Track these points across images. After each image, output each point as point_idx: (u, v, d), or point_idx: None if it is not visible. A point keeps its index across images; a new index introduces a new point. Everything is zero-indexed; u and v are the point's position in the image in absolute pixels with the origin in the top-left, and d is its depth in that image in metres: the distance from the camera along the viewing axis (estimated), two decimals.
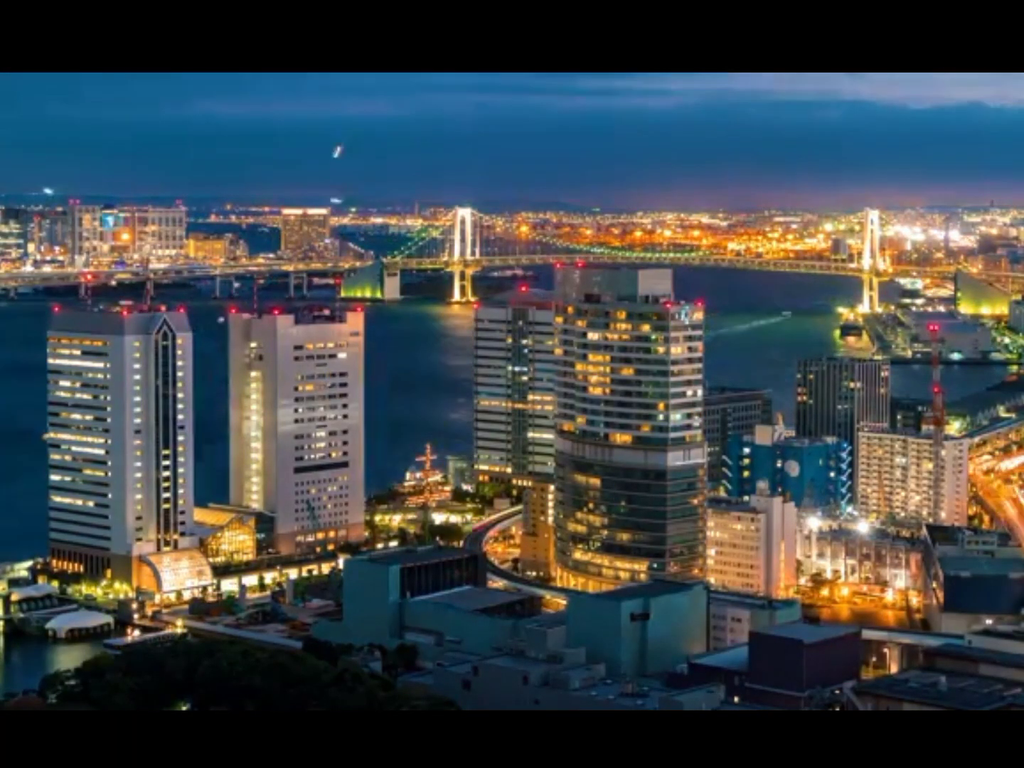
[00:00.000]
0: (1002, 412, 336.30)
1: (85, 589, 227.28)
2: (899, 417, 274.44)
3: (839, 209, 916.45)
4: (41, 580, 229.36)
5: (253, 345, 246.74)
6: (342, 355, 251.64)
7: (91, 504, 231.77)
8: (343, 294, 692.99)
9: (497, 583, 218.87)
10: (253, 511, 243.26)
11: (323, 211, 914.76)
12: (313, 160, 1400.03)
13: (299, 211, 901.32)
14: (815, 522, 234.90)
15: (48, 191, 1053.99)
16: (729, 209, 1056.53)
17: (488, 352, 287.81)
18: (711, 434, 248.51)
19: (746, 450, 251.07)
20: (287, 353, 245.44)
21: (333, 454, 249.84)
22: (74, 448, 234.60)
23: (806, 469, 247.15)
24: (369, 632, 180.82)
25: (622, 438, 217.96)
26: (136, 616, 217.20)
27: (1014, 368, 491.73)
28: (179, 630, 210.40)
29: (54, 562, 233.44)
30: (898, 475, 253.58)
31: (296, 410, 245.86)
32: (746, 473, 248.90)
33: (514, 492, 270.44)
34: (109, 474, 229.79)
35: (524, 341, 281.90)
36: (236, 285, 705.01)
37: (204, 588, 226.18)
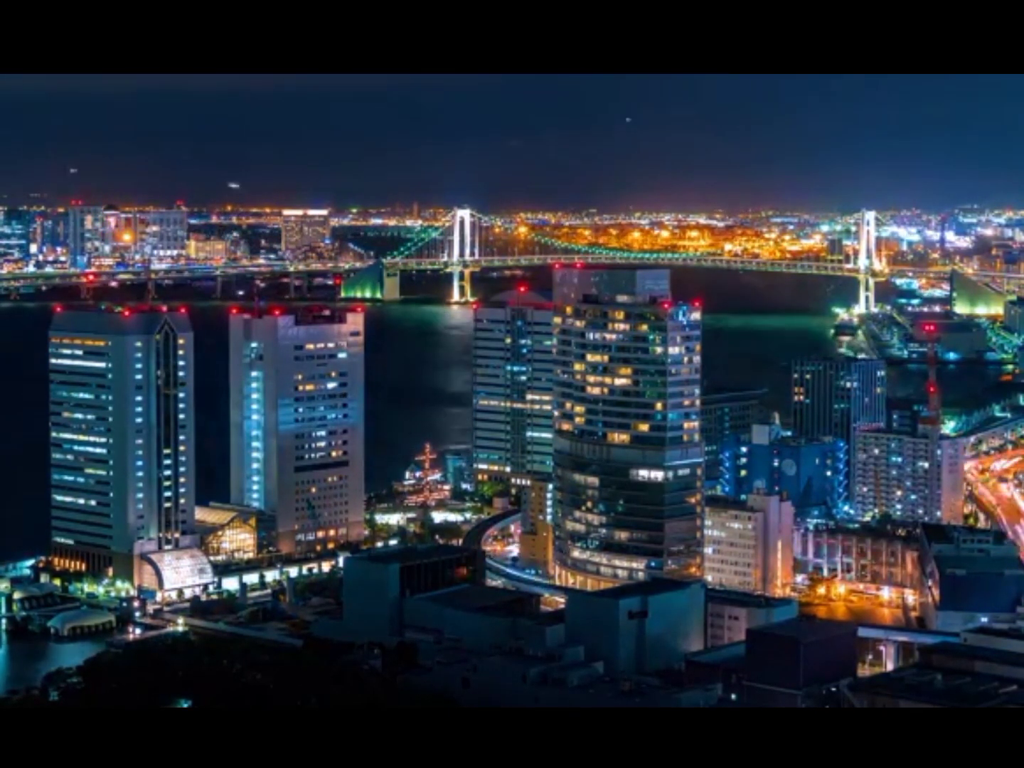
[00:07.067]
0: (997, 412, 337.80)
1: (87, 587, 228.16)
2: (895, 417, 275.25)
3: (835, 210, 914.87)
4: (43, 578, 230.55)
5: (253, 345, 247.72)
6: (342, 355, 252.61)
7: (93, 503, 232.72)
8: (343, 294, 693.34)
9: (496, 581, 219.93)
10: (254, 510, 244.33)
11: (323, 211, 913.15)
12: (312, 158, 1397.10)
13: (299, 211, 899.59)
14: (812, 521, 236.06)
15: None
16: (726, 209, 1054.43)
17: (487, 352, 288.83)
18: (708, 433, 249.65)
19: (743, 449, 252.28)
20: (287, 353, 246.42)
21: (333, 453, 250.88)
22: (76, 447, 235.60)
23: (803, 468, 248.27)
24: (369, 630, 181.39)
25: (620, 437, 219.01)
26: (138, 614, 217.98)
27: (1009, 368, 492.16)
28: (180, 628, 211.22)
29: (56, 560, 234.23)
30: (894, 474, 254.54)
31: (296, 410, 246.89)
32: (743, 472, 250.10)
33: (513, 491, 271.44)
34: (111, 473, 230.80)
35: (523, 341, 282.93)
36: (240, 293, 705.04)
37: (205, 586, 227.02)
